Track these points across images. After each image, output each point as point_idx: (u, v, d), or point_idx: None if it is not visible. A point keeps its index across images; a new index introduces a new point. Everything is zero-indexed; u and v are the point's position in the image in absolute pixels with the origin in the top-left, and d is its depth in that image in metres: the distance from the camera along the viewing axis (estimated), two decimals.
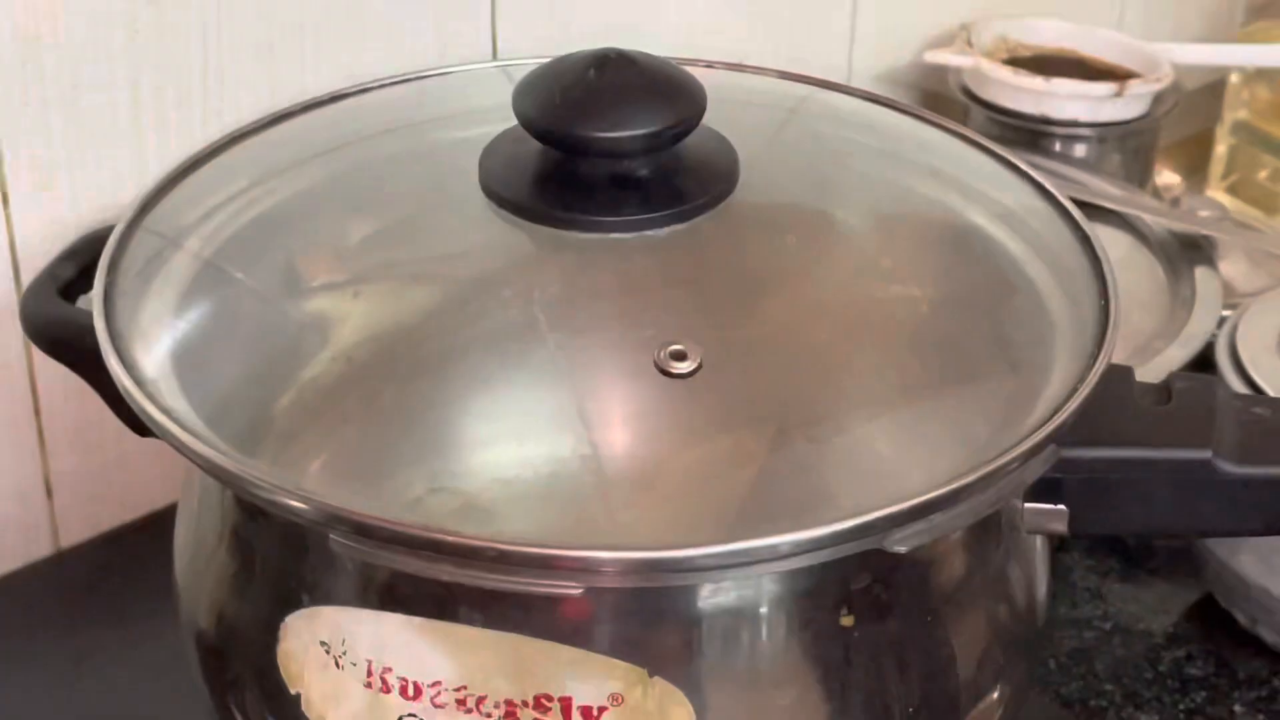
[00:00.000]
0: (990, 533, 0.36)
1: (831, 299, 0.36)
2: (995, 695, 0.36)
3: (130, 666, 0.46)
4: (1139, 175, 0.66)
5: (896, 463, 0.32)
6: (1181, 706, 0.46)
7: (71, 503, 0.51)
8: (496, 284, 0.35)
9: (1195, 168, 0.73)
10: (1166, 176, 0.69)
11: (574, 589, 0.30)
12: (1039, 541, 0.38)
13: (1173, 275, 0.58)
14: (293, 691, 0.34)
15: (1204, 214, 0.59)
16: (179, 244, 0.37)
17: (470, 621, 0.32)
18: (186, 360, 0.34)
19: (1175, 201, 0.65)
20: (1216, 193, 0.71)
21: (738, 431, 0.32)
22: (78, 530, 0.51)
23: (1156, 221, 0.60)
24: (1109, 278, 0.37)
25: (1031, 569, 0.37)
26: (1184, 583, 0.50)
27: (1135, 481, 0.35)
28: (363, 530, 0.30)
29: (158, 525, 0.43)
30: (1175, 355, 0.52)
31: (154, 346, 0.35)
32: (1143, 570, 0.51)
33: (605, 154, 0.35)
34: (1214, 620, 0.48)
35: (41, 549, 0.51)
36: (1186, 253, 0.59)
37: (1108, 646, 0.48)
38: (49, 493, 0.50)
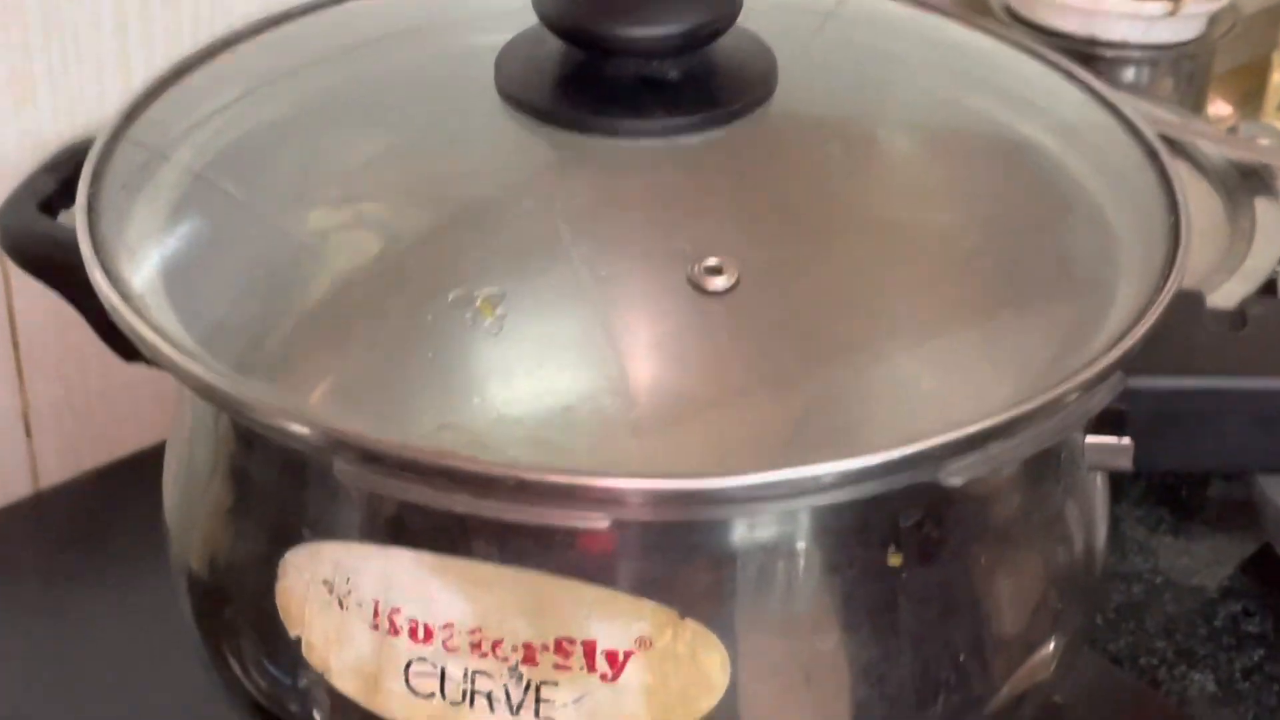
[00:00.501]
0: (1049, 468, 0.34)
1: (878, 213, 0.34)
2: (1050, 647, 0.35)
3: (117, 612, 0.45)
4: (1192, 102, 0.66)
5: (949, 389, 0.31)
6: (1238, 665, 0.45)
7: (52, 440, 0.50)
8: (516, 195, 0.33)
9: (1248, 98, 0.71)
10: (1219, 107, 0.67)
11: (599, 522, 0.29)
12: (1099, 479, 0.37)
13: (1231, 206, 0.56)
14: (292, 634, 0.33)
15: (1264, 142, 0.57)
16: (167, 156, 0.36)
17: (486, 558, 0.30)
18: (177, 279, 0.33)
19: (1232, 130, 0.62)
20: (1274, 122, 0.68)
21: (779, 353, 0.31)
22: (58, 469, 0.50)
23: (1213, 149, 0.58)
24: (1179, 194, 0.36)
25: (1091, 509, 0.36)
26: (1239, 534, 0.49)
27: (1207, 413, 0.34)
28: (371, 457, 0.29)
29: (144, 463, 0.43)
30: (1235, 290, 0.51)
31: (142, 264, 0.33)
32: (1195, 521, 0.50)
33: (634, 54, 0.34)
34: (1272, 573, 0.47)
35: (19, 489, 0.50)
36: (1246, 183, 0.57)
37: (1159, 601, 0.47)
38: (27, 430, 0.49)
